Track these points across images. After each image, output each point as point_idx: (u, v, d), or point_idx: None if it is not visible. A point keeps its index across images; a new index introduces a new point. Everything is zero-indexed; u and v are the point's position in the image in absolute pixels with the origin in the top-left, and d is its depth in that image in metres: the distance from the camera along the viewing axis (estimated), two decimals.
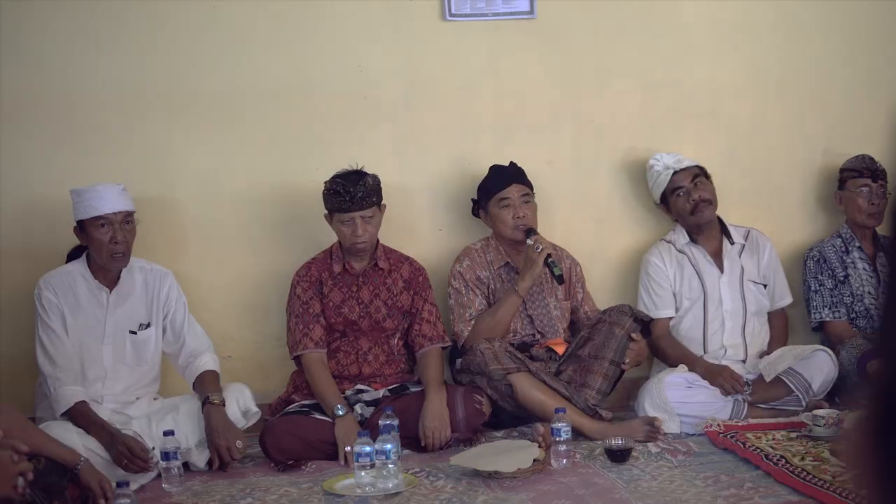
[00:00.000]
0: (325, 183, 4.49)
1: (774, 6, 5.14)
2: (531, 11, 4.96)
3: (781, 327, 5.01)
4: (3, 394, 4.46)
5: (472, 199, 4.85)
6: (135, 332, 4.37)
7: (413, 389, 4.51)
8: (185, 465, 4.16)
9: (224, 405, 4.23)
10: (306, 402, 4.43)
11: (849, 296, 4.95)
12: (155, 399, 4.42)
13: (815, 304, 4.99)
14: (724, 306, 4.83)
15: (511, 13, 4.96)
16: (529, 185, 4.75)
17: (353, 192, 4.40)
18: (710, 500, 3.58)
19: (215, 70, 4.76)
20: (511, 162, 4.78)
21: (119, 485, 3.60)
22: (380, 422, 4.09)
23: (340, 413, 4.29)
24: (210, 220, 4.81)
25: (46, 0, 4.61)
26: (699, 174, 4.85)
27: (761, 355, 4.83)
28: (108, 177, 4.44)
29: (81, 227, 4.25)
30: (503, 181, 4.72)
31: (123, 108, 4.70)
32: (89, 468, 3.69)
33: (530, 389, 4.40)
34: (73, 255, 4.42)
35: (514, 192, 4.70)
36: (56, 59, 4.63)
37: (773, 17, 5.14)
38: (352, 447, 3.95)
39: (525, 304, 4.71)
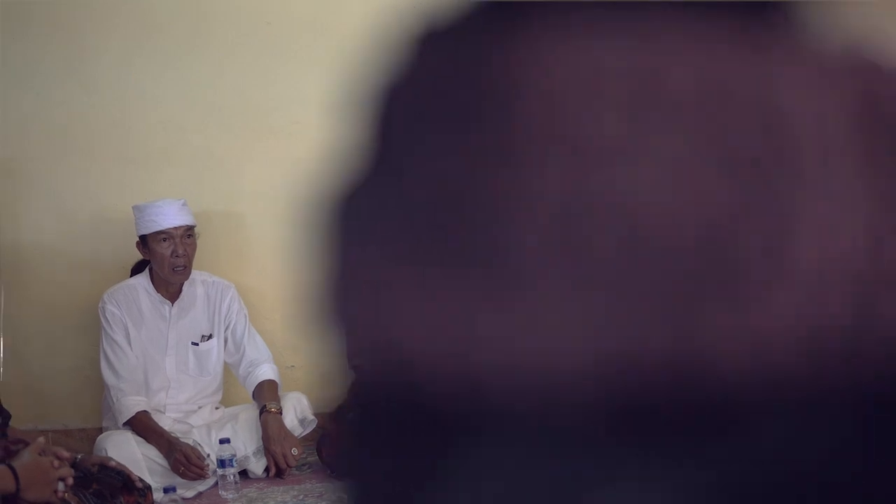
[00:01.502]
0: None
1: None
2: None
3: None
4: (70, 403, 4.63)
5: None
6: (197, 344, 4.48)
7: None
8: (244, 473, 4.26)
9: (281, 413, 4.32)
10: None
11: None
12: (217, 408, 4.53)
13: None
14: None
15: None
16: None
17: None
18: None
19: (273, 84, 4.86)
20: None
21: (166, 490, 3.71)
22: None
23: None
24: (272, 233, 4.90)
25: (104, 24, 4.76)
26: None
27: None
28: (173, 192, 4.57)
29: (144, 241, 4.37)
30: None
31: (186, 124, 4.83)
32: None
33: None
34: (136, 270, 4.55)
35: None
36: (118, 78, 4.78)
37: None
38: None
39: None
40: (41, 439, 3.22)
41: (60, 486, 3.14)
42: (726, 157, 0.34)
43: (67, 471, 3.19)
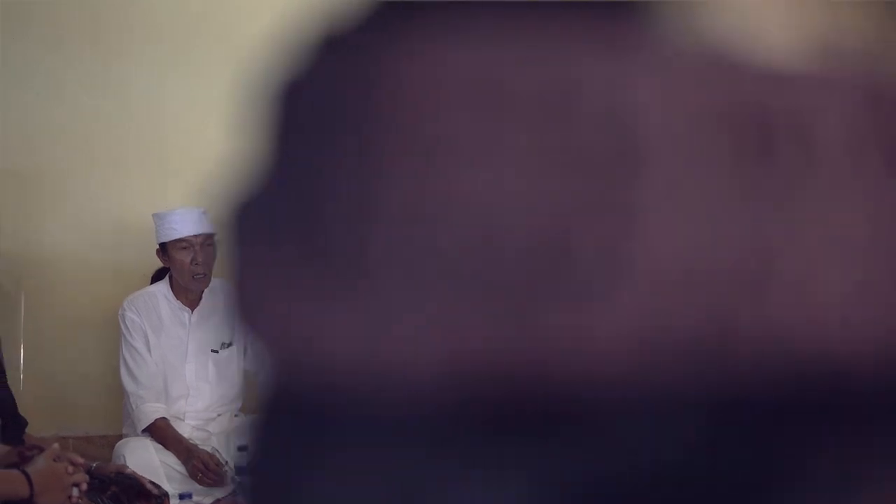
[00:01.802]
0: None
1: None
2: None
3: None
4: (91, 410, 4.65)
5: None
6: (216, 352, 4.50)
7: None
8: None
9: None
10: None
11: None
12: (236, 416, 4.54)
13: None
14: None
15: None
16: None
17: None
18: None
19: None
20: None
21: (182, 496, 3.73)
22: None
23: None
24: None
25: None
26: None
27: None
28: (192, 200, 4.58)
29: (164, 249, 4.40)
30: None
31: (202, 132, 4.84)
32: None
33: None
34: (157, 277, 4.57)
35: None
36: (136, 85, 4.80)
37: None
38: None
39: None
40: (56, 445, 3.24)
41: (75, 491, 3.16)
42: (574, 158, 0.34)
43: (82, 476, 3.20)
